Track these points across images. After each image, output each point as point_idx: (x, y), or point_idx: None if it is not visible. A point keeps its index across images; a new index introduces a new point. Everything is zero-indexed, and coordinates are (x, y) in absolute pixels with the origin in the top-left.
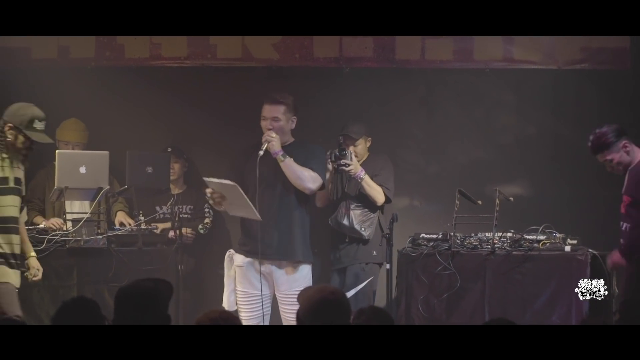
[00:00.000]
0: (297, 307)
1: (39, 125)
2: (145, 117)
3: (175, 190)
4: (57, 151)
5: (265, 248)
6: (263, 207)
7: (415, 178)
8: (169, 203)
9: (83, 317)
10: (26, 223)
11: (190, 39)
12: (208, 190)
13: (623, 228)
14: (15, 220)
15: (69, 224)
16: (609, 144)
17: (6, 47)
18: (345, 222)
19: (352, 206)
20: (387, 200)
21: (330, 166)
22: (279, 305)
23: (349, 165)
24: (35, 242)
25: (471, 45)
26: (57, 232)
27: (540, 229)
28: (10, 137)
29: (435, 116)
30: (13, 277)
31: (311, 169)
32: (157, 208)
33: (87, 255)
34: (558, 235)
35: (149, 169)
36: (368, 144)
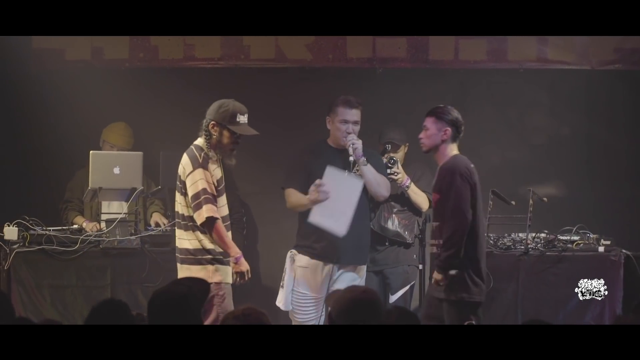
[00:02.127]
0: None
1: (241, 119)
2: (178, 117)
3: None
4: (91, 152)
5: (341, 253)
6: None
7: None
8: None
9: (114, 320)
10: (66, 223)
11: (224, 40)
12: (318, 181)
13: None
14: (227, 217)
15: (103, 224)
16: (438, 116)
17: (40, 48)
18: (390, 226)
19: (394, 210)
20: (431, 205)
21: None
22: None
23: (397, 174)
24: (69, 242)
25: (505, 46)
26: (91, 233)
27: (574, 229)
28: (215, 135)
29: (468, 117)
30: (230, 275)
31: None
32: None
33: (120, 255)
34: (592, 235)
35: None
36: (406, 150)
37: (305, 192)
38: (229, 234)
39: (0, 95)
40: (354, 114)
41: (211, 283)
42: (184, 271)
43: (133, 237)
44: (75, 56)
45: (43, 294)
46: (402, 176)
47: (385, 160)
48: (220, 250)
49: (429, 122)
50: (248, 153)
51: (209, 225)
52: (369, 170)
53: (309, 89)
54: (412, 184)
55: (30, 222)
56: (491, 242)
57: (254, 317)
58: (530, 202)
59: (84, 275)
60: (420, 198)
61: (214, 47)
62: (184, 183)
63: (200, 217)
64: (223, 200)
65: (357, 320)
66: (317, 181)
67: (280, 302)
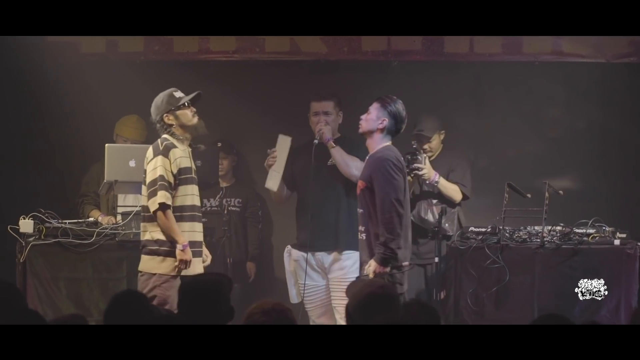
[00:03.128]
0: (342, 294)
1: (177, 93)
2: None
3: (223, 184)
4: (106, 145)
5: (313, 240)
6: (313, 199)
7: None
8: (218, 196)
9: (133, 311)
10: (83, 217)
11: None
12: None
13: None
14: (199, 208)
15: (119, 217)
16: (382, 104)
17: (55, 42)
18: (430, 218)
19: (434, 202)
20: (465, 197)
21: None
22: (330, 292)
23: (422, 169)
24: (85, 235)
25: (520, 39)
26: (107, 226)
27: (590, 222)
28: (174, 122)
29: (484, 110)
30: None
31: (358, 158)
32: (205, 201)
33: (136, 248)
34: (607, 228)
35: (198, 163)
36: (442, 137)
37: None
38: (197, 225)
39: (14, 88)
40: (324, 105)
41: (155, 274)
42: (142, 262)
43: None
44: (90, 49)
45: (59, 287)
46: (427, 172)
47: (408, 156)
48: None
49: (373, 107)
50: (263, 146)
51: (160, 211)
52: (337, 151)
53: (323, 82)
54: (441, 178)
55: (46, 215)
56: (507, 235)
57: (283, 313)
58: (546, 195)
59: (100, 267)
60: (451, 191)
61: (228, 40)
62: (145, 172)
63: (154, 203)
64: (191, 189)
65: (373, 315)
66: (269, 150)
67: (290, 296)
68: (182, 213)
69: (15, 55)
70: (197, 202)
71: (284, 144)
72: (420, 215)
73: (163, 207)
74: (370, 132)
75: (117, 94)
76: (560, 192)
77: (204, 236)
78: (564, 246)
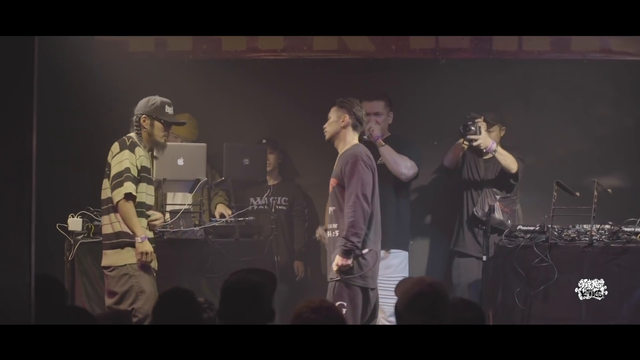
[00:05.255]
0: (389, 293)
1: (169, 110)
2: (242, 109)
3: (270, 182)
4: None
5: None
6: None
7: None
8: (265, 194)
9: (181, 308)
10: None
11: None
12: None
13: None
14: (146, 205)
15: (168, 215)
16: (338, 104)
17: (103, 40)
18: (496, 214)
19: (497, 197)
20: (519, 169)
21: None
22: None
23: (477, 139)
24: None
25: (568, 37)
26: (157, 224)
27: (638, 221)
28: (147, 127)
29: (532, 107)
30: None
31: (407, 157)
32: (252, 200)
33: (184, 246)
34: None
35: (246, 161)
36: (502, 134)
37: None
38: (144, 221)
39: (63, 87)
40: (374, 106)
41: (125, 265)
42: (104, 257)
43: (197, 228)
44: (138, 48)
45: None
46: (483, 140)
47: (461, 127)
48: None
49: (331, 112)
50: (308, 144)
51: (124, 201)
52: (386, 150)
53: (371, 80)
54: (499, 146)
55: (95, 213)
56: (555, 233)
57: (332, 309)
58: (595, 193)
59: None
60: (509, 160)
61: (276, 39)
62: (109, 165)
63: (119, 194)
64: (145, 188)
65: (422, 313)
66: None
67: None
68: (140, 209)
69: (62, 54)
70: (150, 201)
71: None
72: (484, 210)
73: (128, 196)
74: (337, 134)
75: (165, 92)
76: (609, 190)
77: (252, 234)
78: (612, 245)
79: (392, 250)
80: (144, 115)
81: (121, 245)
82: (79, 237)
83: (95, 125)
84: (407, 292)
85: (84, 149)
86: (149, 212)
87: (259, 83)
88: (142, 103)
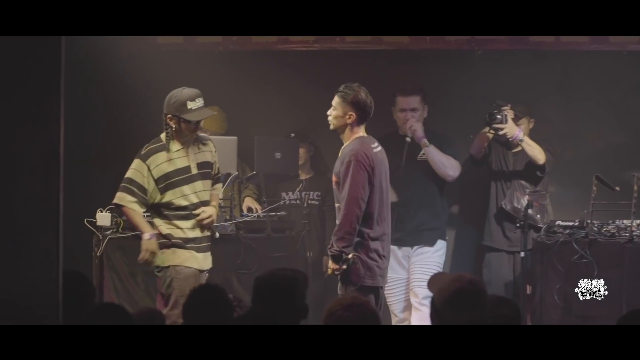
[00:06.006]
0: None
1: (192, 104)
2: (273, 101)
3: (302, 176)
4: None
5: (403, 235)
6: (399, 194)
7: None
8: (297, 189)
9: (211, 305)
10: None
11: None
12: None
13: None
14: (191, 207)
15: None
16: (343, 98)
17: None
18: (531, 209)
19: (527, 190)
20: (548, 161)
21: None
22: (410, 275)
23: (502, 127)
24: None
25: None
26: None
27: None
28: (174, 126)
29: (570, 100)
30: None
31: (452, 157)
32: (283, 194)
33: (215, 241)
34: None
35: (278, 155)
36: (531, 126)
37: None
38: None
39: (91, 79)
40: (411, 102)
41: (168, 266)
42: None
43: (228, 223)
44: (167, 40)
45: (137, 281)
46: (509, 130)
47: (487, 116)
48: (180, 235)
49: (336, 102)
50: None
51: (118, 211)
52: (432, 151)
53: (406, 72)
54: (525, 136)
55: None
56: (595, 229)
57: (364, 306)
58: (635, 187)
59: None
60: (536, 150)
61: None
62: None
63: (114, 199)
64: (189, 189)
65: (461, 311)
66: None
67: None
68: (183, 212)
69: (90, 46)
70: (194, 200)
71: None
72: (512, 203)
73: (118, 206)
74: (342, 129)
75: (196, 84)
76: None
77: (284, 230)
78: None
79: (432, 248)
80: (168, 115)
81: (167, 246)
82: (108, 233)
83: (124, 119)
84: (446, 288)
85: (114, 142)
86: (197, 211)
87: (292, 75)
88: (166, 100)
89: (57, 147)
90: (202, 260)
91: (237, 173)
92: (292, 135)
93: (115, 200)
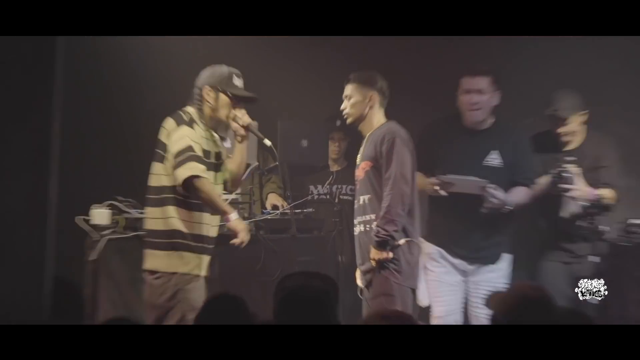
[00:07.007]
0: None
1: (238, 82)
2: (298, 85)
3: (334, 168)
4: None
5: (467, 251)
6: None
7: (621, 152)
8: (327, 182)
9: (229, 317)
10: None
11: None
12: (437, 187)
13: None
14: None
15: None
16: (362, 82)
17: None
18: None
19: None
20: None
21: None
22: (469, 295)
23: (574, 190)
24: None
25: None
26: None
27: None
28: (210, 102)
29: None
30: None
31: (523, 177)
32: (312, 188)
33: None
34: None
35: (304, 142)
36: (583, 119)
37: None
38: (206, 216)
39: (97, 68)
40: (477, 82)
41: (175, 273)
42: (148, 257)
43: (246, 222)
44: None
45: (138, 290)
46: (581, 193)
47: (552, 178)
48: (197, 232)
49: (352, 91)
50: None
51: (192, 186)
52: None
53: (467, 57)
54: (600, 189)
55: (125, 203)
56: None
57: (405, 319)
58: None
59: None
60: (613, 195)
61: None
62: (164, 146)
63: (181, 175)
64: (215, 178)
65: (526, 319)
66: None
67: (419, 297)
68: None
69: (87, 43)
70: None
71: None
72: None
73: (195, 179)
74: (362, 116)
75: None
76: None
77: (311, 230)
78: None
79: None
80: (207, 87)
81: (175, 247)
82: (106, 233)
83: (132, 106)
84: (507, 298)
85: (117, 132)
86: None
87: (339, 59)
88: (205, 72)
89: (49, 143)
90: (206, 266)
91: (257, 164)
92: (338, 123)
93: (189, 172)
